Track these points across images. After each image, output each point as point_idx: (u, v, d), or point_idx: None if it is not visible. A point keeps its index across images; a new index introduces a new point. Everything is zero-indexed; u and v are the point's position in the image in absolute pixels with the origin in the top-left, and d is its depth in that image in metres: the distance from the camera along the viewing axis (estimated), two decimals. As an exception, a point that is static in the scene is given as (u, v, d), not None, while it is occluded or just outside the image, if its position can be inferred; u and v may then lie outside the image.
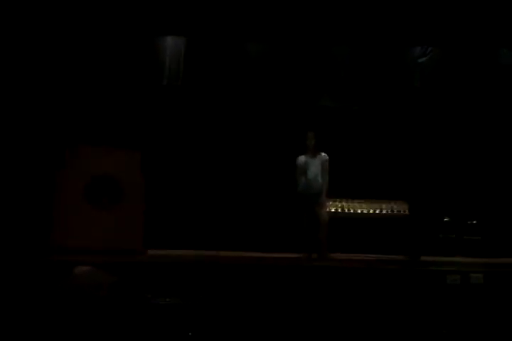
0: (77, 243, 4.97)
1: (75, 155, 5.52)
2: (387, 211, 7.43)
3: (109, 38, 7.28)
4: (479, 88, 7.74)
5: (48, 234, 5.32)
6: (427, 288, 4.95)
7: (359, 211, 7.42)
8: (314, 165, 6.10)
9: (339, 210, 7.33)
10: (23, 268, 4.60)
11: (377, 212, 7.44)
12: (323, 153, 6.19)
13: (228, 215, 7.42)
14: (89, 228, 5.19)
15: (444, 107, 7.84)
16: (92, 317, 2.81)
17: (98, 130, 6.92)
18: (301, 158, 6.21)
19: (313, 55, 7.78)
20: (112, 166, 5.54)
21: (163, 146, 7.53)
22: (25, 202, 6.39)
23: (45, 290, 3.86)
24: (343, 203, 7.39)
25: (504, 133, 7.80)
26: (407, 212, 7.24)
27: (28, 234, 5.78)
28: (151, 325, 3.64)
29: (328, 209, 6.56)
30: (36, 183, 6.24)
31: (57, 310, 2.87)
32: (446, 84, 7.79)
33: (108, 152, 5.65)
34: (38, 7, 6.68)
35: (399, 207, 7.39)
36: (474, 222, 7.46)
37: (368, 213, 7.42)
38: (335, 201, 7.28)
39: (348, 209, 7.39)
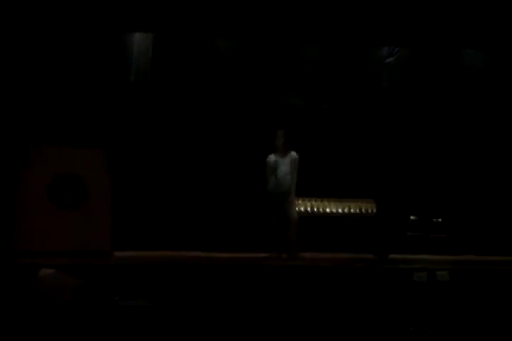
0: (41, 245, 4.85)
1: (38, 154, 5.38)
2: (355, 210, 7.49)
3: (75, 34, 7.11)
4: (445, 88, 7.88)
5: (11, 235, 5.17)
6: (394, 285, 5.02)
7: (328, 210, 7.45)
8: (284, 164, 6.11)
9: (308, 209, 7.35)
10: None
11: (345, 211, 7.49)
12: (293, 152, 6.20)
13: (197, 215, 7.34)
14: (54, 229, 5.07)
15: (411, 107, 7.96)
16: (55, 321, 2.72)
17: (63, 128, 6.76)
18: (271, 157, 6.20)
19: (282, 53, 7.77)
20: (76, 165, 5.43)
21: (130, 145, 7.40)
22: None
23: (8, 294, 3.74)
24: (312, 202, 7.41)
25: (469, 132, 7.96)
26: (374, 211, 7.32)
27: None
28: (118, 328, 3.57)
29: (297, 209, 6.56)
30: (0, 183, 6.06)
31: (20, 314, 2.77)
32: (413, 84, 7.90)
33: (72, 151, 5.53)
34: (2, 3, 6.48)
35: (367, 206, 7.46)
36: (440, 220, 7.59)
37: (337, 212, 7.47)
38: (304, 200, 7.30)
39: (317, 209, 7.42)
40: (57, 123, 6.88)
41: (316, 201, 7.43)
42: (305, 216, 6.92)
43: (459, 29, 7.58)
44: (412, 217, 7.56)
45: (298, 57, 7.86)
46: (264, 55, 7.74)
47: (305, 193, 7.09)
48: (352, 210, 7.48)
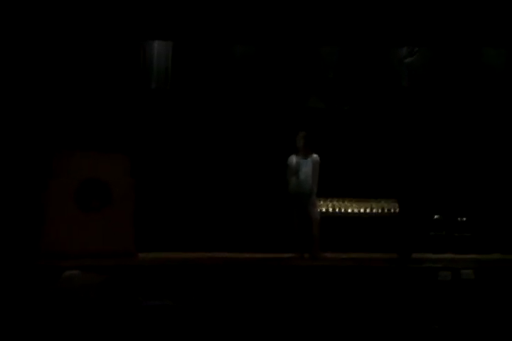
0: (67, 247, 4.96)
1: (63, 159, 5.52)
2: (377, 210, 7.46)
3: (96, 42, 7.27)
4: (466, 87, 7.80)
5: (38, 239, 5.30)
6: (418, 284, 4.98)
7: (350, 210, 7.43)
8: (306, 166, 6.13)
9: (330, 210, 7.35)
10: (13, 273, 4.58)
11: (367, 211, 7.46)
12: (314, 154, 6.21)
13: (219, 217, 7.40)
14: (79, 232, 5.18)
15: (432, 106, 7.90)
16: (81, 321, 2.79)
17: (87, 135, 6.90)
18: (293, 158, 6.23)
19: (300, 56, 7.80)
20: (100, 170, 5.55)
21: (152, 150, 7.53)
22: (15, 207, 6.36)
23: (35, 295, 3.85)
24: (334, 202, 7.41)
25: (492, 131, 7.86)
26: (397, 211, 7.26)
27: (18, 240, 5.75)
28: (143, 328, 3.63)
29: (319, 209, 6.57)
30: (25, 189, 6.22)
31: (46, 314, 2.85)
32: (433, 84, 7.84)
33: (96, 156, 5.66)
34: (23, 10, 6.67)
35: (389, 206, 7.42)
36: (464, 219, 7.50)
37: (359, 212, 7.44)
38: (326, 200, 7.30)
39: (339, 209, 7.41)
40: (81, 129, 7.04)
41: (338, 201, 7.42)
42: (327, 216, 6.92)
43: (480, 27, 7.50)
44: (435, 216, 7.49)
45: (317, 60, 7.88)
46: (283, 58, 7.78)
47: (327, 194, 7.10)
48: (374, 210, 7.45)
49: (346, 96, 7.92)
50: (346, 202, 7.42)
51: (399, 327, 4.64)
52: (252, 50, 7.80)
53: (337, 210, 7.38)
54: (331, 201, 7.36)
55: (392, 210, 7.38)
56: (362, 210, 7.45)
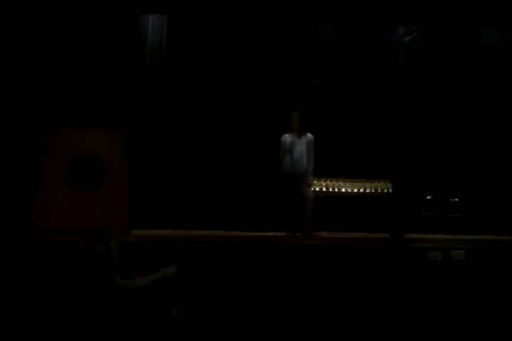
0: (59, 223, 4.94)
1: (56, 135, 5.45)
2: (371, 190, 7.48)
3: (89, 16, 7.13)
4: (463, 67, 7.75)
5: (30, 215, 5.28)
6: (409, 264, 5.03)
7: (343, 190, 7.45)
8: (300, 145, 6.09)
9: (324, 189, 7.36)
10: (4, 247, 4.58)
11: (361, 190, 7.49)
12: (308, 134, 6.17)
13: (213, 195, 7.41)
14: (72, 209, 5.15)
15: (428, 87, 7.86)
16: (76, 295, 2.76)
17: (79, 110, 6.82)
18: (286, 137, 6.19)
19: (298, 34, 7.71)
20: (93, 146, 5.49)
21: (146, 127, 7.46)
22: (6, 183, 6.31)
23: (27, 269, 3.84)
24: (328, 182, 7.42)
25: (487, 111, 7.85)
26: (390, 191, 7.30)
27: (9, 216, 5.72)
28: (136, 304, 3.64)
29: (312, 188, 6.57)
30: (17, 164, 6.16)
31: (38, 288, 2.82)
32: (430, 64, 7.78)
33: (89, 132, 5.59)
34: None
35: (382, 186, 7.44)
36: (456, 199, 7.54)
37: (352, 192, 7.46)
38: (319, 180, 7.30)
39: (333, 188, 7.42)
40: (74, 105, 6.95)
41: (331, 181, 7.43)
42: (321, 195, 6.94)
43: (478, 6, 7.41)
44: (428, 197, 7.52)
45: (313, 38, 7.79)
46: (279, 35, 7.68)
47: (321, 173, 7.09)
48: (368, 190, 7.47)
49: (342, 75, 7.85)
50: (340, 182, 7.43)
51: (389, 305, 4.71)
52: (249, 26, 7.69)
53: (330, 190, 7.40)
54: (324, 180, 7.37)
55: (385, 190, 7.41)
56: (355, 190, 7.47)
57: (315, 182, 7.09)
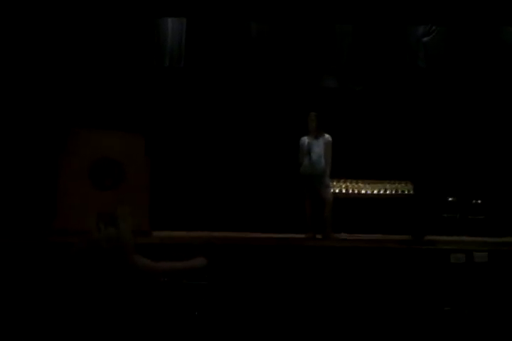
0: (80, 225, 4.97)
1: (77, 137, 5.52)
2: (391, 191, 7.42)
3: (110, 19, 7.22)
4: (483, 67, 7.66)
5: (52, 216, 5.35)
6: (431, 266, 4.98)
7: (363, 191, 7.40)
8: (318, 146, 6.08)
9: (343, 191, 7.32)
10: (27, 249, 4.64)
11: (381, 192, 7.42)
12: (326, 135, 6.16)
13: (232, 197, 7.43)
14: (93, 210, 5.19)
15: (449, 87, 7.78)
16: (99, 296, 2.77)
17: (100, 113, 6.90)
18: (304, 139, 6.19)
19: (315, 35, 7.70)
20: (114, 149, 5.55)
21: (167, 129, 7.52)
22: (29, 185, 6.41)
23: (47, 270, 3.89)
24: (347, 184, 7.37)
25: (509, 112, 7.74)
26: (411, 192, 7.23)
27: (32, 217, 5.80)
28: (158, 303, 3.66)
29: (332, 190, 6.55)
30: (40, 166, 6.25)
31: (59, 288, 2.84)
32: (450, 64, 7.70)
33: (111, 135, 5.65)
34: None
35: (403, 188, 7.37)
36: (479, 201, 7.45)
37: (372, 193, 7.41)
38: (339, 181, 7.27)
39: (353, 190, 7.38)
40: (95, 107, 7.03)
41: (351, 182, 7.38)
42: (340, 197, 6.90)
43: (499, 5, 7.33)
44: (450, 199, 7.44)
45: (331, 39, 7.77)
46: (297, 37, 7.68)
47: (340, 175, 7.07)
48: (388, 191, 7.41)
49: (360, 76, 7.82)
50: (360, 184, 7.38)
51: (411, 308, 4.66)
52: (266, 28, 7.70)
53: (350, 191, 7.35)
54: (344, 182, 7.33)
55: (406, 192, 7.34)
56: (376, 192, 7.41)
57: (334, 183, 7.07)
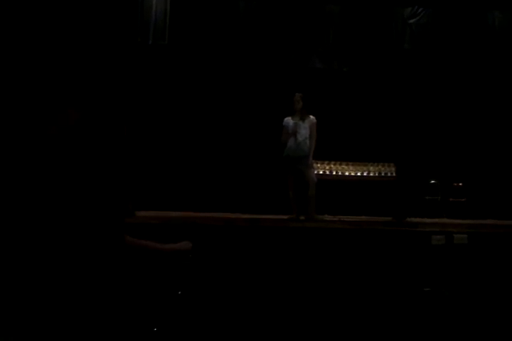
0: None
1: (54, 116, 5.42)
2: (374, 173, 7.47)
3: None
4: (469, 50, 7.67)
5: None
6: (412, 247, 5.04)
7: (347, 173, 7.44)
8: (304, 128, 6.03)
9: (327, 172, 7.35)
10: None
11: (364, 174, 7.47)
12: (311, 116, 6.11)
13: (216, 177, 7.40)
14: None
15: (433, 69, 7.78)
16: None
17: (81, 90, 6.76)
18: (288, 120, 6.11)
19: (302, 15, 7.62)
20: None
21: (149, 107, 7.42)
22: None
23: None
24: (331, 165, 7.40)
25: (492, 95, 7.79)
26: (394, 175, 7.28)
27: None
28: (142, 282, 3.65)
29: (316, 172, 6.55)
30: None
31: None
32: (436, 46, 7.70)
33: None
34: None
35: (386, 170, 7.43)
36: (460, 184, 7.54)
37: (356, 175, 7.45)
38: (323, 163, 7.28)
39: (336, 172, 7.41)
40: (78, 85, 6.89)
41: (335, 164, 7.40)
42: (324, 179, 6.92)
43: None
44: (431, 181, 7.52)
45: (318, 19, 7.69)
46: (284, 16, 7.58)
47: (324, 156, 7.08)
48: (371, 174, 7.45)
49: (346, 57, 7.77)
50: (343, 165, 7.41)
51: (392, 289, 4.73)
52: (253, 6, 7.59)
53: (334, 173, 7.38)
54: (328, 164, 7.35)
55: (389, 174, 7.40)
56: (359, 173, 7.46)
57: (318, 165, 7.08)
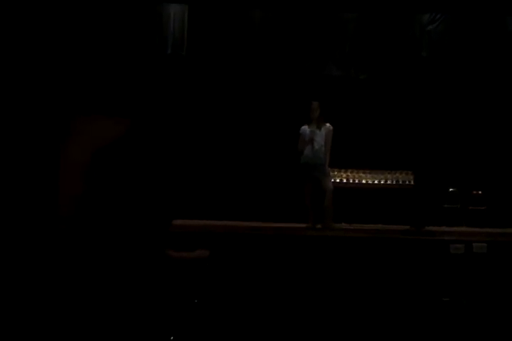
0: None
1: (81, 124, 5.52)
2: (392, 181, 7.42)
3: (112, 6, 7.16)
4: (486, 57, 7.60)
5: (55, 203, 5.36)
6: (431, 256, 5.01)
7: (364, 181, 7.41)
8: (320, 136, 6.06)
9: (344, 180, 7.33)
10: (31, 238, 4.66)
11: (382, 182, 7.43)
12: (327, 124, 6.13)
13: (233, 186, 7.44)
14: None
15: (452, 76, 7.73)
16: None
17: (103, 101, 6.87)
18: (305, 128, 6.15)
19: (319, 23, 7.64)
20: (114, 135, 5.53)
21: (168, 116, 7.49)
22: (31, 173, 6.40)
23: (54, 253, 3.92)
24: (348, 173, 7.38)
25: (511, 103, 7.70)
26: (412, 183, 7.23)
27: (33, 205, 5.81)
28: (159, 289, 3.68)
29: (332, 180, 6.55)
30: (41, 154, 6.24)
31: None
32: (454, 53, 7.65)
33: (115, 122, 5.63)
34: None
35: (404, 178, 7.38)
36: (479, 192, 7.45)
37: (373, 183, 7.42)
38: (340, 171, 7.27)
39: (353, 180, 7.39)
40: (98, 95, 7.00)
41: (352, 172, 7.38)
42: (341, 187, 6.91)
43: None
44: (450, 189, 7.44)
45: (335, 27, 7.71)
46: (300, 24, 7.62)
47: (342, 164, 7.06)
48: (389, 181, 7.41)
49: (363, 65, 7.77)
50: (361, 173, 7.39)
51: (410, 298, 4.70)
52: (270, 15, 7.64)
53: (351, 181, 7.36)
54: (345, 172, 7.33)
55: (407, 182, 7.35)
56: (376, 181, 7.42)
57: (335, 173, 7.07)
